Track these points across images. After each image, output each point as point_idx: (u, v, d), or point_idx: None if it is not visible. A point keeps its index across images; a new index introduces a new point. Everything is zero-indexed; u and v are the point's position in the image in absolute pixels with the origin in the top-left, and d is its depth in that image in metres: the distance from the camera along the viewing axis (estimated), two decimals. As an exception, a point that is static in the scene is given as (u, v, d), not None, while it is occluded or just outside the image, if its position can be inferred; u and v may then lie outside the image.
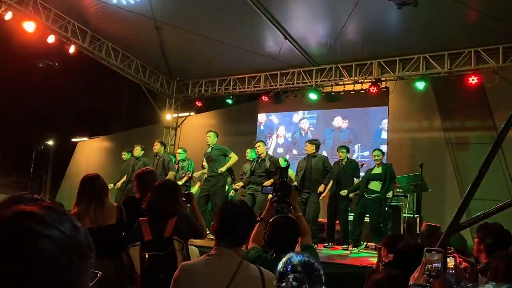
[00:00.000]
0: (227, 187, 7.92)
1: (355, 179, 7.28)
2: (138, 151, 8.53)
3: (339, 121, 9.92)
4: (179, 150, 8.76)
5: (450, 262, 2.24)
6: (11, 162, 22.50)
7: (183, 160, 8.51)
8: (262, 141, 7.75)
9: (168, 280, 1.96)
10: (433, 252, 1.79)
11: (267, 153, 7.62)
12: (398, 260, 2.35)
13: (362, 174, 7.52)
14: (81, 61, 10.30)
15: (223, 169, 7.24)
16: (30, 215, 0.62)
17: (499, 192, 6.39)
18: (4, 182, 22.86)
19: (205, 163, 8.28)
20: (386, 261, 2.47)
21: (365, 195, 6.83)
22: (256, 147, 7.47)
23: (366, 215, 6.94)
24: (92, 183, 3.17)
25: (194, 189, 8.43)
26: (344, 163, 7.23)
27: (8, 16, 8.01)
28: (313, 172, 6.99)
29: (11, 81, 16.13)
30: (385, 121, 9.28)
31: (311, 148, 7.17)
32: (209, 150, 7.44)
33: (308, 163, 7.07)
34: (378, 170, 6.93)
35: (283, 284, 1.51)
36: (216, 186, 7.26)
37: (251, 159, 7.81)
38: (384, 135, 9.30)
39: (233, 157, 7.33)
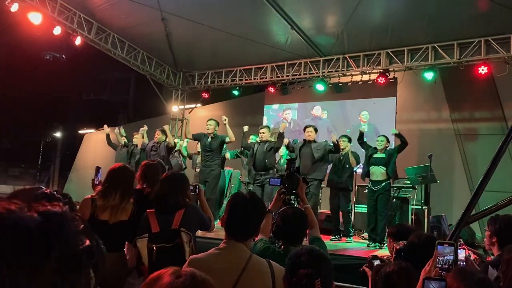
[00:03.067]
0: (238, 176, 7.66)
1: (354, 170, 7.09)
2: (137, 139, 8.47)
3: (318, 111, 10.08)
4: (176, 140, 8.71)
5: (461, 254, 2.21)
6: (20, 153, 22.74)
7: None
8: (268, 127, 7.39)
9: (176, 272, 1.94)
10: (445, 245, 1.77)
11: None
12: (409, 252, 2.32)
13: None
14: (88, 52, 10.30)
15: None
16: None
17: (509, 184, 6.30)
18: (13, 174, 23.15)
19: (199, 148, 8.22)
20: (398, 247, 2.43)
21: (372, 187, 6.62)
22: (260, 133, 7.11)
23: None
24: (122, 175, 3.04)
25: None
26: (344, 152, 6.94)
27: (15, 7, 7.99)
28: (312, 160, 6.69)
29: (19, 73, 16.21)
30: (364, 112, 9.49)
31: (314, 134, 6.85)
32: (209, 140, 7.17)
33: (308, 150, 6.77)
34: (381, 154, 6.64)
35: (294, 279, 1.48)
36: (211, 175, 7.12)
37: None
38: (364, 127, 9.36)
39: (231, 137, 7.06)
